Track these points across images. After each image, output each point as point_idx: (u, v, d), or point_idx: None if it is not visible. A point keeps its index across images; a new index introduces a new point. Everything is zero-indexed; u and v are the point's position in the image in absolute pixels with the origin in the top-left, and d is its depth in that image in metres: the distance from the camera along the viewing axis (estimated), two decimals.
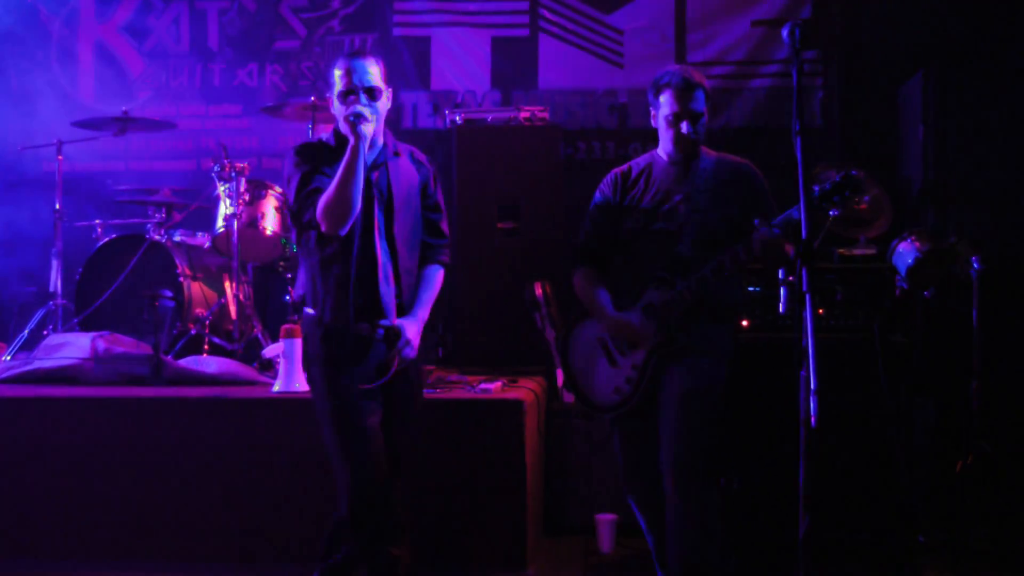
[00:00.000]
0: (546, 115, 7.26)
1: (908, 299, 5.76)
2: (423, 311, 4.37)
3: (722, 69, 7.93)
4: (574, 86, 8.10)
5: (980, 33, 7.33)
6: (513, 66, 8.15)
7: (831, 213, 3.81)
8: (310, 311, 4.26)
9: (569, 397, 6.08)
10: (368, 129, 4.07)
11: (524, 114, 7.20)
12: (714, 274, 4.20)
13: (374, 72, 4.28)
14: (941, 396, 5.98)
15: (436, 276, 4.47)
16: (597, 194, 4.66)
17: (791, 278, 3.82)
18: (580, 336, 4.64)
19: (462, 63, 8.18)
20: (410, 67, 8.20)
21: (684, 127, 4.39)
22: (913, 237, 5.79)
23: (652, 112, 4.52)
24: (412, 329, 4.26)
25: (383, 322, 4.18)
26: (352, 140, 4.03)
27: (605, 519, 5.55)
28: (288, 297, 6.68)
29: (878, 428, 5.29)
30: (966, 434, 5.63)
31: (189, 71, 8.41)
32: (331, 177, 4.07)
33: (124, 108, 7.03)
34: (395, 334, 4.20)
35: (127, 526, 5.26)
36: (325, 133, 4.36)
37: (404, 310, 4.29)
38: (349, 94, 4.18)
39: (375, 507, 4.18)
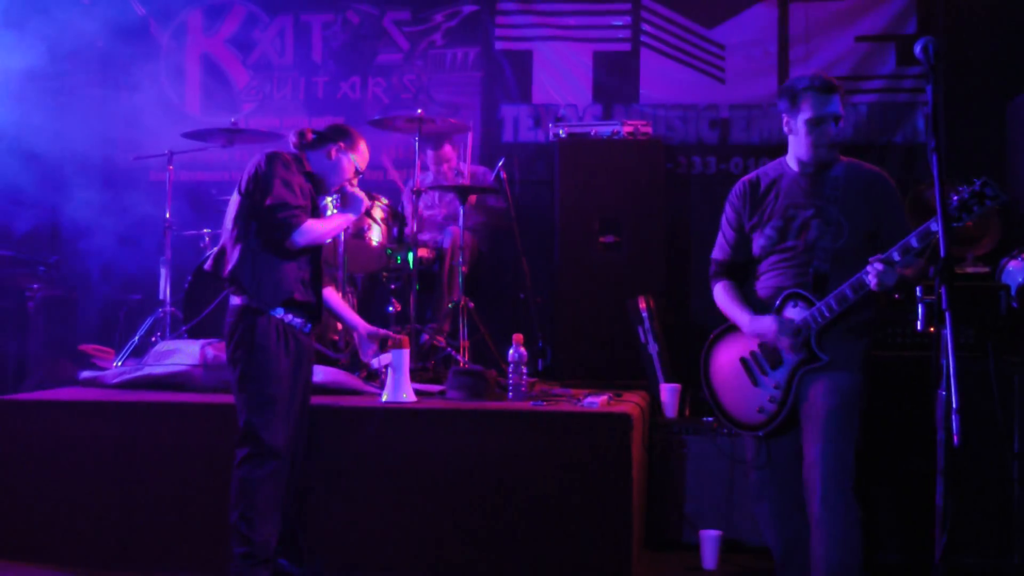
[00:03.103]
0: (649, 129, 7.28)
1: (1020, 319, 5.66)
2: None
3: None
4: (675, 101, 8.09)
5: None
6: (614, 80, 8.16)
7: (964, 219, 3.79)
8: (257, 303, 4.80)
9: (672, 412, 6.10)
10: None
11: (627, 128, 7.23)
12: (854, 291, 4.21)
13: None
14: None
15: None
16: (727, 206, 4.67)
17: (929, 297, 3.80)
18: (721, 354, 4.65)
19: (563, 77, 8.21)
20: (511, 81, 8.25)
21: (830, 129, 4.42)
22: None
23: (786, 119, 4.52)
24: None
25: None
26: (354, 215, 5.22)
27: (710, 535, 5.52)
28: (391, 308, 6.72)
29: (992, 450, 5.20)
30: None
31: (293, 83, 8.54)
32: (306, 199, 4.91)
33: (232, 119, 7.14)
34: None
35: None
36: (295, 155, 5.06)
37: None
38: (358, 174, 5.20)
39: None
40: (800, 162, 4.51)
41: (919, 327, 3.56)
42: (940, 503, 3.17)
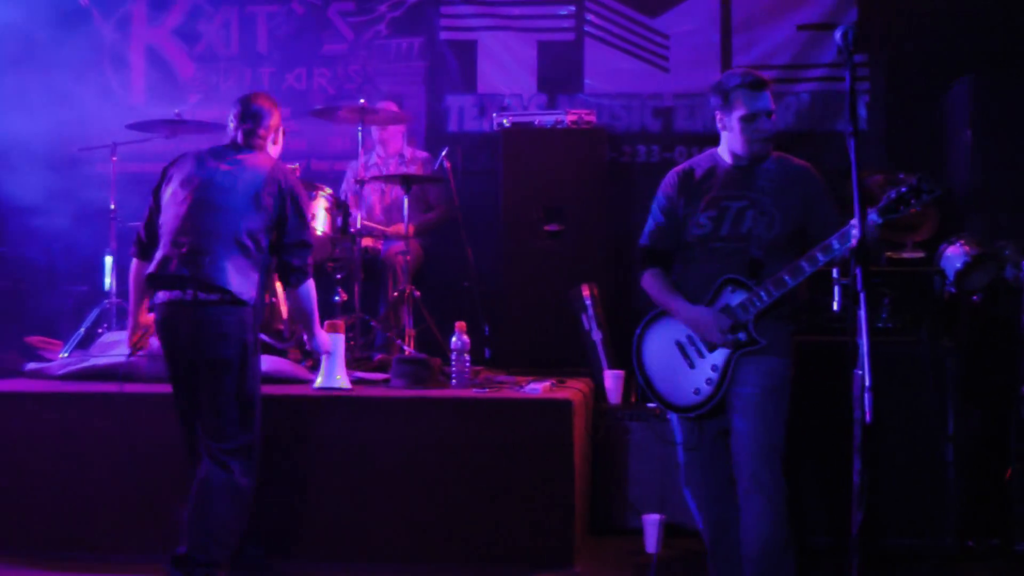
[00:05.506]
0: (592, 118, 7.33)
1: (956, 303, 5.76)
2: None
3: (766, 73, 7.87)
4: (619, 90, 8.15)
5: None
6: (558, 70, 8.20)
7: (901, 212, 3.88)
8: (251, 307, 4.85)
9: (616, 398, 6.16)
10: None
11: (571, 117, 7.27)
12: (792, 276, 4.30)
13: None
14: (987, 401, 5.96)
15: None
16: (660, 194, 4.71)
17: (845, 279, 3.88)
18: (655, 338, 4.68)
19: (508, 67, 8.24)
20: (456, 71, 8.27)
21: (764, 124, 4.47)
22: (962, 241, 5.78)
23: (719, 115, 4.56)
24: None
25: None
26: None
27: (652, 519, 5.56)
28: (337, 297, 6.75)
29: (926, 432, 5.30)
30: (1013, 440, 5.63)
31: (238, 74, 8.51)
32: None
33: (176, 111, 7.12)
34: None
35: None
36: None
37: None
38: None
39: None
40: (734, 155, 4.57)
41: (835, 308, 3.63)
42: (856, 480, 3.23)
